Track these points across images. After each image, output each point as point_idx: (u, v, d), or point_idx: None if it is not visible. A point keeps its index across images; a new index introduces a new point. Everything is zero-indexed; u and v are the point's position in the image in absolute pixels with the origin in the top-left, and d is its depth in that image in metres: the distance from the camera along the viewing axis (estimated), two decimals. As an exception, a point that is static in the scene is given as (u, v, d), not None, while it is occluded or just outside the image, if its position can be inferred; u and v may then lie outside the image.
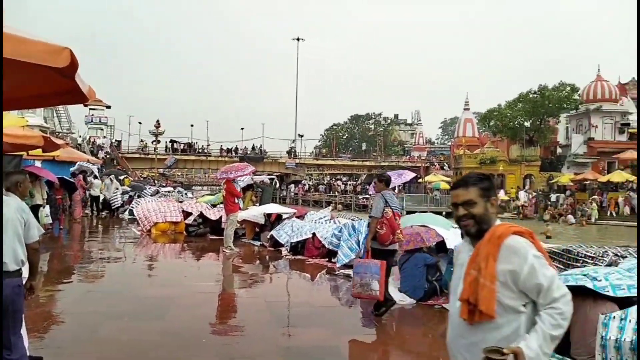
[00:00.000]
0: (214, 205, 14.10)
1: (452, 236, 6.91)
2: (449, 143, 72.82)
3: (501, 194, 40.12)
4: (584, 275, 4.51)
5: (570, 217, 32.42)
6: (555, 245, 6.89)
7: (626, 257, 5.48)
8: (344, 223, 9.80)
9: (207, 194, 21.29)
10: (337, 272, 8.50)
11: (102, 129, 55.03)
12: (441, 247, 7.21)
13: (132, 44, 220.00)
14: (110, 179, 18.44)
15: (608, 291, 4.26)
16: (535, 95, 43.81)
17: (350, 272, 8.37)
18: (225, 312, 6.42)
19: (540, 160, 43.79)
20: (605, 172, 39.37)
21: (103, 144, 42.95)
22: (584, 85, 44.38)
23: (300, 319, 6.02)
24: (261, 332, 5.35)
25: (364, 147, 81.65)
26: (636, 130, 44.72)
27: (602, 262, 5.53)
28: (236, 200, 11.08)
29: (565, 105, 43.30)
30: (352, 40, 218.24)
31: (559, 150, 47.54)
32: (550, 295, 1.86)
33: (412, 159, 64.66)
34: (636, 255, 5.47)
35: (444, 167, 52.55)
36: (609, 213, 32.85)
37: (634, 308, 3.83)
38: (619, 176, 34.79)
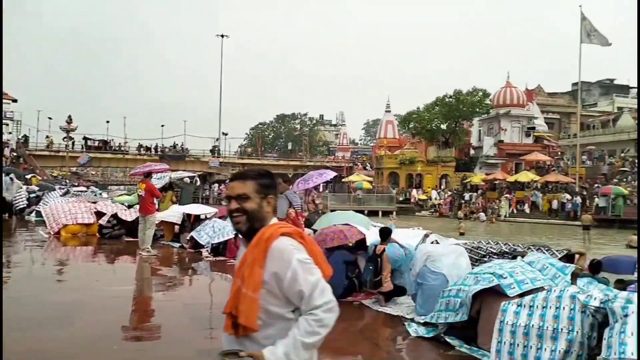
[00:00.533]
0: (130, 206, 13.47)
1: (372, 235, 7.09)
2: (372, 144, 74.78)
3: (416, 193, 41.96)
4: (492, 274, 4.80)
5: (482, 215, 34.49)
6: (469, 242, 7.32)
7: (527, 252, 5.92)
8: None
9: (123, 194, 20.32)
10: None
11: (7, 124, 50.83)
12: (360, 244, 7.38)
13: (40, 30, 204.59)
14: (10, 177, 16.98)
15: (514, 288, 4.56)
16: (450, 99, 46.11)
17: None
18: (140, 316, 6.15)
19: (455, 161, 46.13)
20: (513, 172, 42.27)
21: (8, 140, 39.75)
22: (495, 91, 47.36)
23: (221, 322, 5.88)
24: (179, 335, 5.17)
25: (289, 147, 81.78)
26: (541, 134, 48.51)
27: (506, 257, 5.93)
28: (155, 201, 10.66)
29: (477, 110, 45.93)
30: (281, 38, 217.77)
31: (472, 151, 50.35)
32: (312, 302, 1.74)
33: (337, 159, 65.67)
34: (535, 250, 5.92)
35: (367, 168, 53.89)
36: (513, 211, 35.31)
37: (530, 296, 4.14)
38: (525, 176, 37.52)
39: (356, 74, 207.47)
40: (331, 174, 9.38)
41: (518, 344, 3.96)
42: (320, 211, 9.27)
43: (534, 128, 47.03)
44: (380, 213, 34.19)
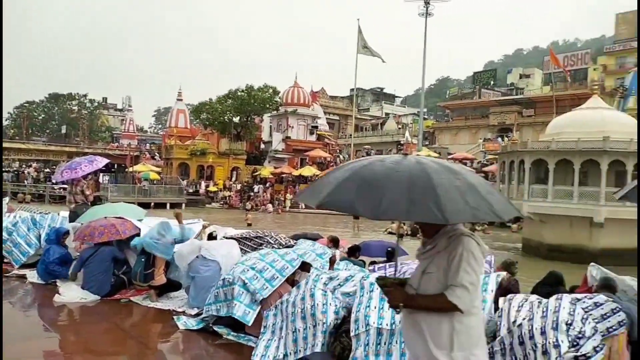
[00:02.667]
0: None
1: (146, 227, 6.74)
2: (162, 133, 71.58)
3: (204, 185, 41.78)
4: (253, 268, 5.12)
5: (270, 206, 36.05)
6: (252, 231, 7.55)
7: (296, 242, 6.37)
8: (23, 217, 8.44)
9: None
10: (10, 274, 7.28)
11: None
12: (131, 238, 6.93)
13: None
14: None
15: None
16: (243, 93, 46.88)
17: (25, 271, 7.35)
18: None
19: (246, 154, 47.15)
20: (299, 166, 45.19)
21: None
22: (284, 90, 49.88)
23: None
24: None
25: (64, 131, 72.94)
26: (323, 133, 52.84)
27: (278, 246, 6.28)
28: None
29: (268, 106, 47.65)
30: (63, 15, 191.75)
31: (262, 146, 52.14)
32: None
33: (121, 146, 61.03)
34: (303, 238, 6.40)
35: (155, 157, 51.39)
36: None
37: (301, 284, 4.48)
38: (309, 170, 40.47)
39: (146, 58, 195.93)
40: (103, 161, 8.59)
41: (286, 329, 4.31)
42: (89, 203, 8.40)
43: (317, 127, 50.96)
44: (168, 205, 32.98)
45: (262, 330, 4.56)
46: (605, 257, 16.75)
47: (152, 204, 31.53)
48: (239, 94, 46.96)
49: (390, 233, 22.35)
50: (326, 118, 58.22)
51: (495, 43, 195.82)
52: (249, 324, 4.80)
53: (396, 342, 3.86)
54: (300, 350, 4.13)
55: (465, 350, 2.35)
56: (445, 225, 2.37)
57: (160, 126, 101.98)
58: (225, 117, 47.00)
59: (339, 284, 4.47)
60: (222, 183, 42.06)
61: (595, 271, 5.08)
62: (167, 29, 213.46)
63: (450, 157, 42.19)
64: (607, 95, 33.97)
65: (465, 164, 38.52)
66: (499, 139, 42.34)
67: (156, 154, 53.55)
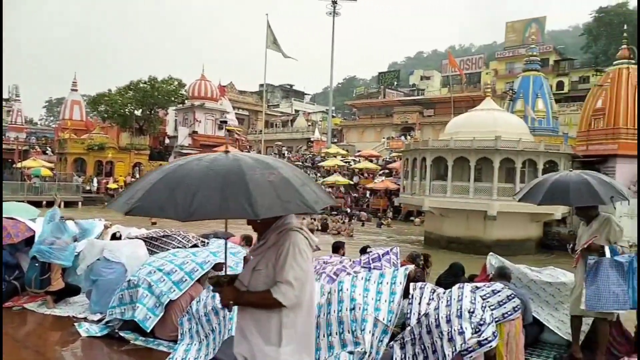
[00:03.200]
0: None
1: (39, 227, 6.18)
2: (54, 125, 66.30)
3: (96, 182, 39.44)
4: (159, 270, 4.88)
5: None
6: (160, 230, 7.18)
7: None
8: None
9: None
10: None
11: None
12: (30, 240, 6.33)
13: None
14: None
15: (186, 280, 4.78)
16: (145, 85, 44.72)
17: None
18: None
19: (149, 149, 45.08)
20: (206, 163, 44.04)
21: None
22: (190, 83, 48.33)
23: None
24: None
25: (-63, 122, 64.96)
26: (232, 128, 51.99)
27: (187, 245, 6.07)
28: None
29: (173, 99, 45.91)
30: None
31: (167, 140, 50.19)
32: None
33: (8, 140, 55.61)
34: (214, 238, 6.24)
35: (47, 152, 47.46)
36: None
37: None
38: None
39: (36, 44, 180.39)
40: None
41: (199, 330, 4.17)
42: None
43: (225, 122, 50.02)
44: (62, 204, 30.59)
45: (179, 337, 4.42)
46: (498, 248, 18.20)
47: (44, 202, 29.12)
48: (141, 85, 44.75)
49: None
50: (235, 113, 57.35)
51: (399, 45, 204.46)
52: (148, 330, 4.62)
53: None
54: (216, 348, 4.03)
55: (292, 344, 2.38)
56: (276, 220, 2.41)
57: (52, 118, 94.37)
58: (126, 110, 44.57)
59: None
60: (122, 180, 39.84)
61: (494, 260, 5.46)
62: (63, 12, 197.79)
63: (357, 154, 43.47)
64: (499, 97, 36.83)
65: (371, 161, 39.93)
66: (402, 138, 44.29)
67: (48, 148, 49.47)
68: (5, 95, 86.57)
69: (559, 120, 29.26)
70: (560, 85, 48.63)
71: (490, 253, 5.67)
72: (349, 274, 4.77)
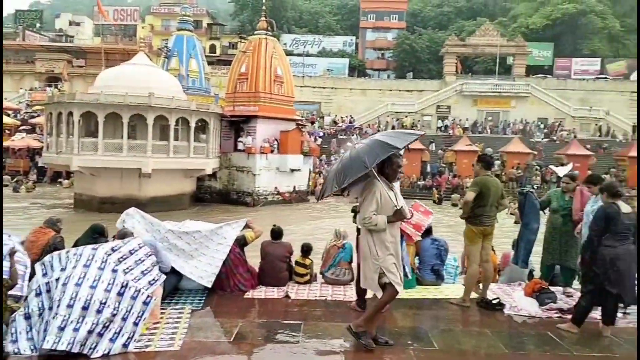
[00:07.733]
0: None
1: None
2: None
3: None
4: None
5: None
6: None
7: None
8: None
9: None
10: None
11: None
12: None
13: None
14: None
15: None
16: None
17: None
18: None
19: None
20: None
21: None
22: None
23: None
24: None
25: None
26: None
27: None
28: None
29: None
30: None
31: None
32: None
33: None
34: None
35: None
36: None
37: None
38: None
39: None
40: None
41: None
42: None
43: None
44: None
45: None
46: (154, 204, 18.41)
47: None
48: None
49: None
50: None
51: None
52: None
53: None
54: None
55: None
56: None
57: None
58: None
59: None
60: None
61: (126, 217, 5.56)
62: None
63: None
64: (154, 54, 36.33)
65: (8, 115, 33.91)
66: (48, 89, 39.13)
67: None
68: None
69: (210, 82, 30.92)
70: (212, 48, 51.63)
71: (126, 211, 5.69)
72: None
